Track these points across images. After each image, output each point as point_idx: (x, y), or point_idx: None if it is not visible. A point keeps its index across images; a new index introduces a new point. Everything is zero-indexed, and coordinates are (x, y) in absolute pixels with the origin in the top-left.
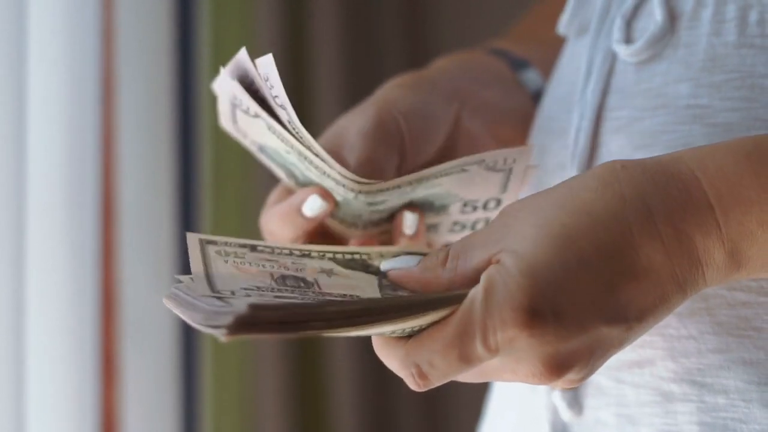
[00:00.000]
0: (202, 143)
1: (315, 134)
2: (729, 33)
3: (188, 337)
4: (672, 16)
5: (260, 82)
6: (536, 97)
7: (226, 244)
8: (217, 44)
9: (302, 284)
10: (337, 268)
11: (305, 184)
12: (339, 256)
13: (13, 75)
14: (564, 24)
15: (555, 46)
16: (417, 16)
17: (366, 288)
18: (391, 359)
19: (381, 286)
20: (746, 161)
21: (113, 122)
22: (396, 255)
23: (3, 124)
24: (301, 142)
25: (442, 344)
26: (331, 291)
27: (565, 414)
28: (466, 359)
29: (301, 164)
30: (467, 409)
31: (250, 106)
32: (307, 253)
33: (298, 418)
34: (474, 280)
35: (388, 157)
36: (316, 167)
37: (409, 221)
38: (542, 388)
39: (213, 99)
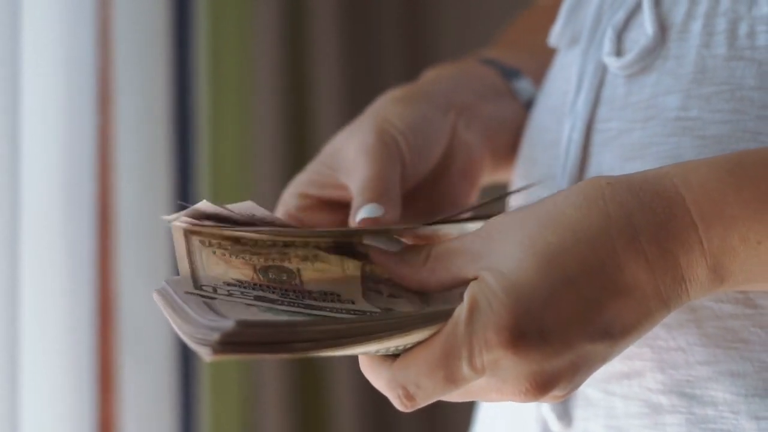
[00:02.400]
0: (200, 147)
1: (313, 141)
2: (719, 45)
3: (186, 345)
4: (662, 28)
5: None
6: (528, 106)
7: (210, 235)
8: (215, 47)
9: (284, 276)
10: (321, 254)
11: None
12: (322, 243)
13: (8, 77)
14: (555, 35)
15: (543, 54)
16: (416, 20)
17: (348, 280)
18: (377, 379)
19: (364, 274)
20: (729, 177)
21: (110, 126)
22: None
23: None
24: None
25: (427, 366)
26: (312, 288)
27: (555, 426)
28: (452, 380)
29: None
30: (466, 411)
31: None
32: (290, 242)
33: (298, 426)
34: (448, 286)
35: (392, 174)
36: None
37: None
38: None
39: (211, 101)
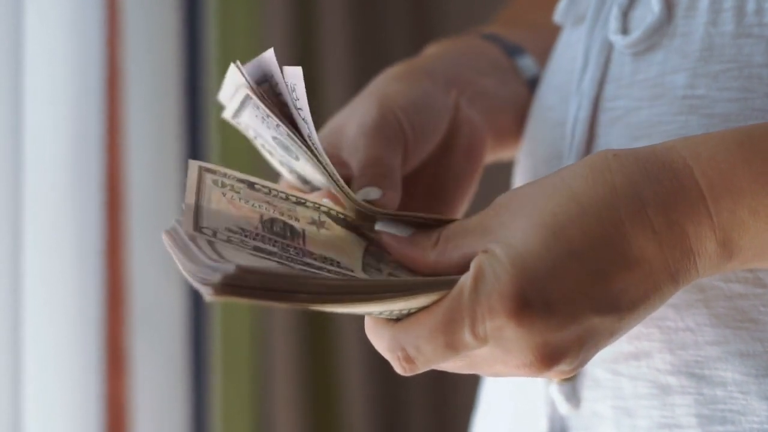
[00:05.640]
0: (210, 132)
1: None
2: (726, 22)
3: (198, 326)
4: (668, 5)
5: (284, 88)
6: (531, 84)
7: (224, 175)
8: (225, 36)
9: (288, 233)
10: (329, 222)
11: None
12: (333, 212)
13: (13, 60)
14: (560, 13)
15: (543, 31)
16: (424, 11)
17: (350, 252)
18: (379, 340)
19: (366, 253)
20: (738, 150)
21: (119, 110)
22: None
23: (3, 114)
24: (315, 158)
25: (429, 330)
26: (313, 250)
27: (563, 407)
28: (453, 347)
29: (306, 165)
30: (476, 388)
31: (264, 109)
32: (302, 201)
33: (308, 406)
34: (459, 267)
35: (393, 155)
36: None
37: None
38: (539, 381)
39: (220, 88)
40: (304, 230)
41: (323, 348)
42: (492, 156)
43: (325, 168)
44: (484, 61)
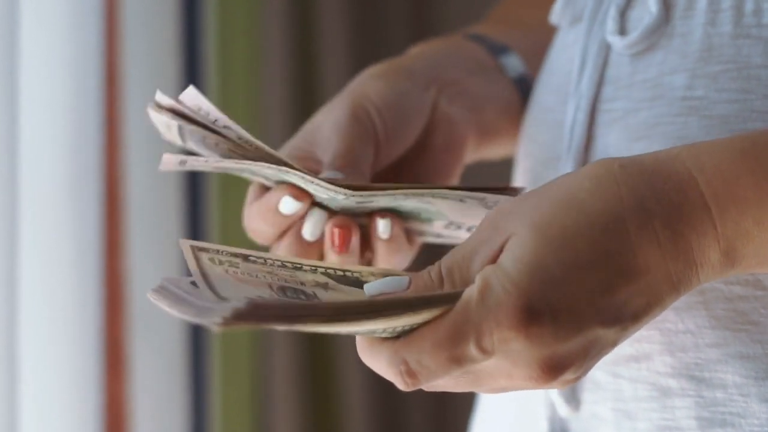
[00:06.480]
0: None
1: None
2: (725, 23)
3: (197, 329)
4: (666, 5)
5: (194, 116)
6: (518, 82)
7: (218, 252)
8: (225, 36)
9: (302, 297)
10: (332, 283)
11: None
12: (330, 271)
13: (9, 64)
14: (556, 13)
15: (534, 29)
16: (424, 11)
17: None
18: (377, 359)
19: None
20: (742, 159)
21: (118, 111)
22: (384, 275)
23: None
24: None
25: (432, 344)
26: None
27: (563, 409)
28: (458, 360)
29: (280, 173)
30: (476, 397)
31: (212, 131)
32: (299, 266)
33: (308, 411)
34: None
35: (363, 151)
36: (302, 178)
37: (381, 227)
38: None
39: (219, 88)
40: (314, 292)
41: (323, 349)
42: (479, 154)
43: (279, 159)
44: (467, 60)
